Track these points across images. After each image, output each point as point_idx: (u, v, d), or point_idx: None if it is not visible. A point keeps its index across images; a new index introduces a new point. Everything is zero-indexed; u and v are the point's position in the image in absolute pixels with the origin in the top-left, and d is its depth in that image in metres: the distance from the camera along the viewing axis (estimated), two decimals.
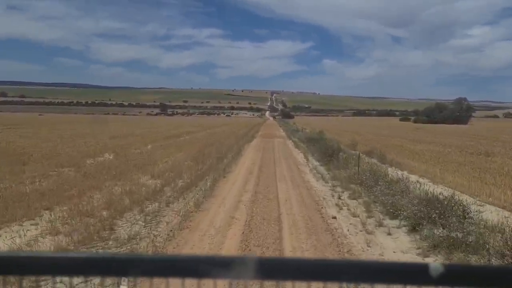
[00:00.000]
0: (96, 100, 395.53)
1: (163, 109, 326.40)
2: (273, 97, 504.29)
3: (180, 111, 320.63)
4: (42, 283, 3.90)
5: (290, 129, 51.48)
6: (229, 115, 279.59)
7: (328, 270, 0.74)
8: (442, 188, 11.37)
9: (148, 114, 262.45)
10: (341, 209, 10.07)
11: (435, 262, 0.73)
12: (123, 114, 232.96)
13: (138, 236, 7.50)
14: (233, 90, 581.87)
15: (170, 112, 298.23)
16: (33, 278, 0.75)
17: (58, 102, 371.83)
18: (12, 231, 7.65)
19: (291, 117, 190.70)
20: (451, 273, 0.72)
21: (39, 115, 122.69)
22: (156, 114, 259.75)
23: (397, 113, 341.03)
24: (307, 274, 0.73)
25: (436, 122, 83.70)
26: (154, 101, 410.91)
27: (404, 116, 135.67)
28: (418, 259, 6.67)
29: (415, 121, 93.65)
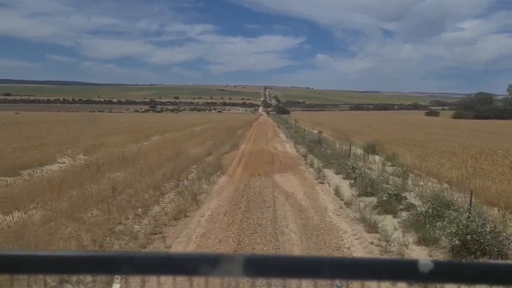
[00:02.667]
0: (84, 97, 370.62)
1: (152, 105, 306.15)
2: (266, 92, 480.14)
3: (170, 107, 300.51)
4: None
5: (298, 135, 27.55)
6: (220, 111, 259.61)
7: (318, 267, 0.71)
8: None
9: (135, 111, 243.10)
10: None
11: (424, 259, 0.69)
12: (109, 111, 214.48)
13: None
14: (225, 86, 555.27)
15: (159, 109, 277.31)
16: (24, 276, 0.72)
17: (44, 100, 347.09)
18: None
19: (287, 112, 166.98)
20: (441, 269, 0.70)
21: (15, 113, 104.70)
22: (145, 111, 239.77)
23: (396, 107, 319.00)
24: (297, 271, 0.71)
25: (486, 117, 60.22)
26: (145, 98, 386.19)
27: (431, 111, 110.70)
28: None
29: (457, 116, 69.39)
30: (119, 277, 0.74)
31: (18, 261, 0.71)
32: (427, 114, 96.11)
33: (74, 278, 4.15)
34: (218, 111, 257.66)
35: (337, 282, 0.76)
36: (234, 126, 42.76)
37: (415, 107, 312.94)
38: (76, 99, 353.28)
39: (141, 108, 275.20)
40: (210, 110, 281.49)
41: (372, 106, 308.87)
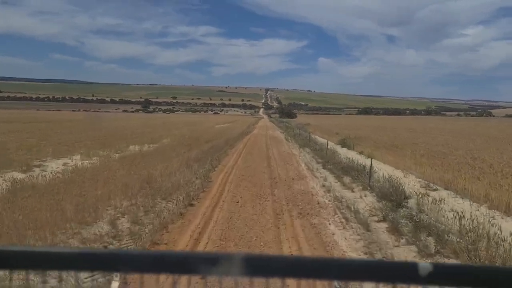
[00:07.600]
0: (77, 95, 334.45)
1: (145, 105, 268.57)
2: (267, 94, 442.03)
3: (164, 108, 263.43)
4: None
5: None
6: (217, 113, 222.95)
7: (317, 268, 0.69)
8: None
9: (124, 111, 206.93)
10: None
11: (424, 262, 0.60)
12: (94, 111, 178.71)
13: None
14: (226, 87, 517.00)
15: (151, 109, 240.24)
16: (23, 272, 0.71)
17: (33, 97, 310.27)
18: None
19: (293, 116, 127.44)
20: (440, 272, 0.67)
21: None
22: (135, 111, 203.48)
23: (407, 111, 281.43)
24: (296, 271, 0.68)
25: None
26: (140, 97, 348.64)
27: None
28: None
29: None
30: (118, 274, 0.73)
31: (17, 256, 0.69)
32: None
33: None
34: (214, 113, 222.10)
35: (336, 283, 0.73)
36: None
37: (428, 112, 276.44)
38: (67, 97, 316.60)
39: (132, 108, 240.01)
40: (206, 111, 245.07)
41: (381, 110, 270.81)
